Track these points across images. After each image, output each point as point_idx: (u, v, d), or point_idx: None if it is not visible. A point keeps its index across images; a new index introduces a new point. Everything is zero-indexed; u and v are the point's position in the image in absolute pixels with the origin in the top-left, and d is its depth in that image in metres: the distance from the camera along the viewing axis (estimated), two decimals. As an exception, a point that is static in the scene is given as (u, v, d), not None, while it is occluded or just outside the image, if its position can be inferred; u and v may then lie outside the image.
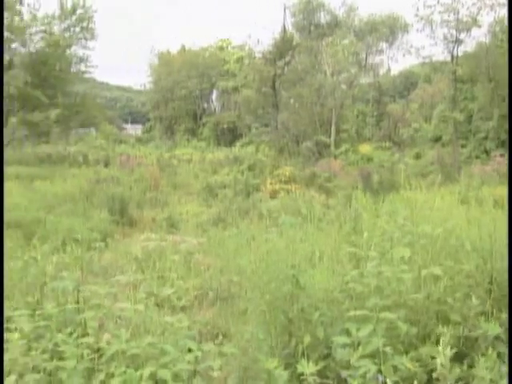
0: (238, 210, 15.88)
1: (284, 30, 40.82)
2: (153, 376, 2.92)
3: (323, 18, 44.85)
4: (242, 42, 66.95)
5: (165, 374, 2.86)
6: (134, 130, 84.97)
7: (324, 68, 40.71)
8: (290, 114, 37.29)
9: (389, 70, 54.33)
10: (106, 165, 32.04)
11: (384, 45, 48.12)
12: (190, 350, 3.29)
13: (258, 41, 70.69)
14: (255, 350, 3.93)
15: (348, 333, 3.68)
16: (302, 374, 3.34)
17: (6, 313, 3.19)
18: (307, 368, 3.25)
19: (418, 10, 32.61)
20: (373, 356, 3.50)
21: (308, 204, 13.04)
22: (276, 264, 4.23)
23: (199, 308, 6.34)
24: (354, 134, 42.52)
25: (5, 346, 2.98)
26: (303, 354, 3.69)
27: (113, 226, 14.40)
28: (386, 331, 3.63)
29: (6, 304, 3.34)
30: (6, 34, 38.32)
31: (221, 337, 5.68)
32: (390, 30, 46.82)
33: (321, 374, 3.52)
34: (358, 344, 3.57)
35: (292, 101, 39.14)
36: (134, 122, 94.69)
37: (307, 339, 3.73)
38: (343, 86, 43.07)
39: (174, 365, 2.97)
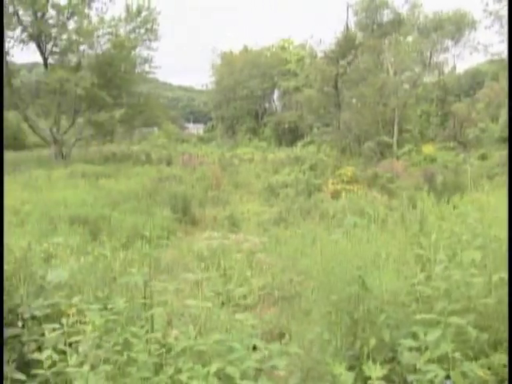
0: (300, 209, 15.84)
1: (347, 28, 40.49)
2: (219, 373, 2.94)
3: (386, 16, 44.19)
4: (303, 42, 66.86)
5: (233, 371, 2.88)
6: (196, 129, 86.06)
7: (387, 67, 40.15)
8: (352, 113, 36.93)
9: (454, 68, 53.01)
10: (169, 163, 32.52)
11: (449, 42, 46.96)
12: (254, 348, 3.31)
13: (321, 40, 70.45)
14: (319, 350, 3.92)
15: (415, 336, 3.61)
16: (368, 377, 3.30)
17: (79, 306, 3.28)
18: (374, 371, 3.20)
19: (487, 5, 31.72)
20: (441, 361, 3.42)
21: (371, 205, 12.89)
22: (342, 265, 4.20)
23: (263, 307, 6.35)
24: (417, 134, 41.75)
25: (77, 338, 3.06)
26: (368, 356, 3.65)
27: (175, 223, 14.60)
28: (454, 336, 3.54)
29: (79, 297, 3.43)
30: (74, 37, 39.56)
31: (283, 336, 5.69)
32: (456, 26, 45.65)
33: (386, 377, 3.47)
34: (426, 348, 3.50)
35: (354, 100, 38.75)
36: (195, 121, 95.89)
37: (373, 341, 3.69)
38: (406, 86, 42.37)
39: (242, 362, 2.99)
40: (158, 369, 3.13)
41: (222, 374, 2.95)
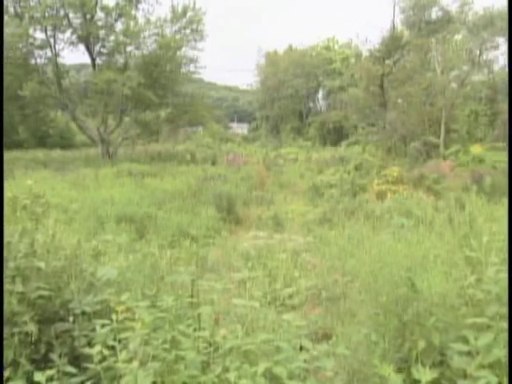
0: (344, 210, 15.71)
1: (393, 27, 40.00)
2: (267, 373, 2.94)
3: (435, 13, 43.47)
4: (348, 41, 66.42)
5: (280, 371, 2.88)
6: (240, 128, 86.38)
7: (434, 66, 39.49)
8: (397, 113, 36.44)
9: (505, 66, 51.79)
10: (213, 163, 32.72)
11: (500, 40, 45.88)
12: (301, 349, 3.29)
13: (366, 39, 69.85)
14: (366, 352, 3.88)
15: (465, 340, 3.53)
16: (417, 381, 3.24)
17: (129, 303, 3.32)
18: (423, 375, 3.14)
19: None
20: (493, 367, 3.33)
21: (417, 206, 12.71)
22: (390, 266, 4.15)
23: (308, 307, 6.32)
24: (464, 134, 40.98)
25: (127, 334, 3.10)
26: (417, 359, 3.59)
27: (220, 223, 14.66)
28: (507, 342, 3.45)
29: (127, 295, 3.47)
30: (122, 38, 40.23)
31: (328, 337, 5.65)
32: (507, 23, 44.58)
33: (436, 381, 3.40)
34: (477, 353, 3.41)
35: (400, 100, 38.25)
36: (240, 120, 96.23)
37: (421, 344, 3.63)
38: (454, 85, 41.60)
39: (289, 363, 2.98)
40: (205, 367, 3.15)
41: (270, 374, 2.95)
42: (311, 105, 72.55)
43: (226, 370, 2.98)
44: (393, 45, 37.47)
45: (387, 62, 37.52)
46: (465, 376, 3.41)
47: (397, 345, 3.96)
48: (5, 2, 38.89)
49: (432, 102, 37.46)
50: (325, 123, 60.25)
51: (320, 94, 71.94)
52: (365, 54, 48.47)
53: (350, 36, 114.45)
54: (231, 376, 2.88)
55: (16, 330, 3.21)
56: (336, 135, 57.09)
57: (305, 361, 3.03)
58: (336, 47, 69.08)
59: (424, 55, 38.33)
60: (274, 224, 14.48)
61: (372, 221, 11.57)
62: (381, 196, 18.80)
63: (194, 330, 3.23)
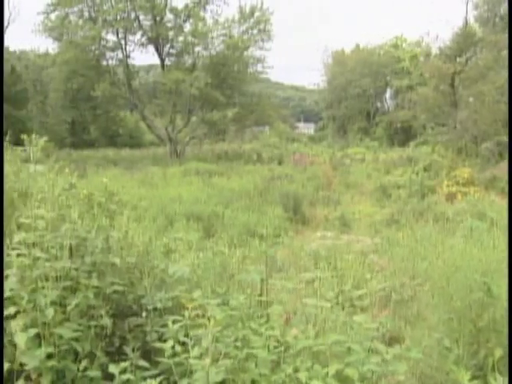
0: (413, 211, 15.42)
1: (466, 23, 38.95)
2: (338, 374, 2.91)
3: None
4: (419, 39, 65.12)
5: (352, 373, 2.85)
6: (307, 128, 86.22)
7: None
8: (469, 112, 35.41)
9: None
10: (280, 162, 32.74)
11: None
12: (369, 351, 3.25)
13: (437, 36, 68.31)
14: (439, 357, 3.78)
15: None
16: (494, 389, 3.14)
17: (200, 301, 3.35)
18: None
19: None
20: None
21: (490, 208, 12.34)
22: (463, 269, 4.03)
23: (377, 309, 6.24)
24: (540, 135, 39.43)
25: (198, 331, 3.14)
26: (493, 367, 3.48)
27: (286, 222, 14.65)
28: None
29: (198, 293, 3.51)
30: (190, 39, 40.85)
31: (396, 340, 5.55)
32: None
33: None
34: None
35: (472, 99, 37.16)
36: (306, 120, 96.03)
37: (499, 352, 3.51)
38: (530, 83, 40.08)
39: (361, 365, 2.94)
40: (275, 366, 3.15)
41: (341, 376, 2.92)
42: (378, 104, 71.58)
43: (296, 369, 2.97)
44: (465, 42, 36.47)
45: (459, 59, 36.54)
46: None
47: (471, 351, 3.84)
48: (80, 7, 40.13)
49: (506, 100, 36.22)
50: (392, 123, 59.26)
51: (388, 94, 70.92)
52: (435, 52, 47.45)
53: (420, 34, 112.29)
54: (302, 376, 2.87)
55: (92, 323, 3.29)
56: (404, 135, 56.11)
57: (377, 364, 2.99)
58: (404, 45, 67.82)
59: (498, 52, 37.06)
60: (340, 224, 14.37)
61: (442, 223, 11.31)
62: (450, 198, 18.36)
63: (265, 328, 3.23)
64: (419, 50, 62.85)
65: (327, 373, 2.88)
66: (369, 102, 69.15)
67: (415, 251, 8.86)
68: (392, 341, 5.46)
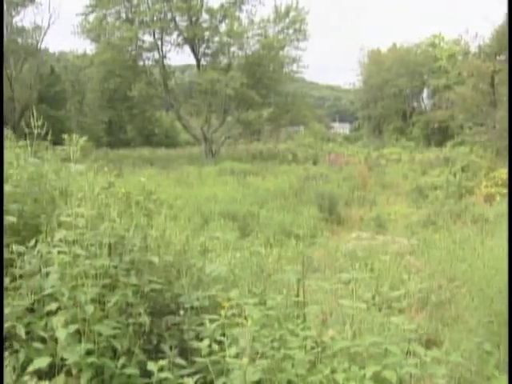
0: (450, 212, 15.22)
1: (508, 20, 38.18)
2: (375, 376, 2.89)
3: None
4: (457, 37, 64.14)
5: (390, 375, 2.82)
6: (342, 128, 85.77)
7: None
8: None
9: None
10: (315, 162, 32.64)
11: None
12: (407, 353, 3.21)
13: (476, 34, 67.16)
14: (479, 361, 3.72)
15: None
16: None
17: (236, 300, 3.36)
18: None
19: None
20: None
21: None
22: (505, 272, 3.96)
23: (413, 311, 6.17)
24: None
25: (234, 330, 3.14)
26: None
27: (322, 222, 14.60)
28: None
29: (235, 292, 3.52)
30: (226, 39, 41.03)
31: (433, 342, 5.48)
32: None
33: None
34: None
35: (512, 98, 36.44)
36: (341, 120, 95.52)
37: (540, 356, 3.43)
38: None
39: (399, 367, 2.91)
40: (312, 367, 3.14)
41: (378, 378, 2.89)
42: (415, 104, 70.72)
43: (333, 370, 2.96)
44: (505, 39, 35.77)
45: (499, 58, 35.87)
46: None
47: (512, 356, 3.77)
48: (117, 8, 40.65)
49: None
50: (429, 123, 58.51)
51: (424, 93, 70.01)
52: (474, 50, 46.69)
53: (459, 32, 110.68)
54: (339, 377, 2.85)
55: (130, 320, 3.33)
56: (441, 135, 55.33)
57: (416, 366, 2.95)
58: (442, 44, 66.84)
59: (541, 49, 36.25)
60: (376, 225, 14.26)
61: (480, 225, 11.14)
62: (489, 199, 18.05)
63: (302, 329, 3.23)
64: (457, 49, 61.92)
65: (364, 374, 2.85)
66: (405, 101, 68.39)
67: (453, 253, 8.74)
68: (429, 343, 5.39)
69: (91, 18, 41.28)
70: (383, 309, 4.21)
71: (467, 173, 24.71)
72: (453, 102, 45.27)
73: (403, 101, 68.00)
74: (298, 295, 3.92)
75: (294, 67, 45.17)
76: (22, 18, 79.84)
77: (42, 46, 47.99)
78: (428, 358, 3.03)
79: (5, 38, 43.14)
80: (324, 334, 3.21)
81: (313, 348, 3.17)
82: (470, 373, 3.75)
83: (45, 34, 44.88)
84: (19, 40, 45.19)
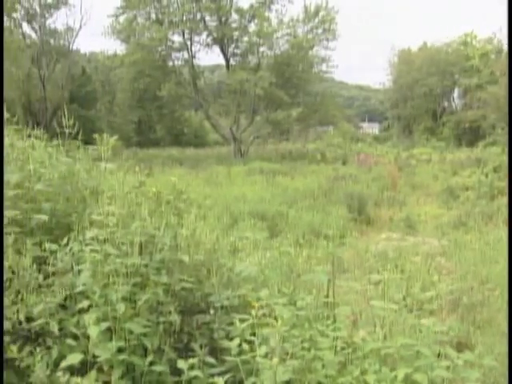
0: (481, 213, 14.98)
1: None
2: (406, 378, 2.86)
3: None
4: (491, 35, 63.23)
5: (421, 378, 2.78)
6: (371, 128, 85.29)
7: None
8: (543, 112, 34.21)
9: None
10: (344, 163, 32.47)
11: None
12: (439, 355, 3.17)
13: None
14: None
15: None
16: None
17: (266, 300, 3.36)
18: None
19: None
20: None
21: None
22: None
23: (445, 313, 6.10)
24: None
25: (264, 330, 3.14)
26: None
27: (351, 223, 14.50)
28: None
29: (265, 292, 3.51)
30: (255, 39, 41.07)
31: (464, 345, 5.40)
32: None
33: None
34: None
35: (546, 98, 35.83)
36: (370, 120, 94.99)
37: None
38: None
39: (430, 370, 2.87)
40: (342, 368, 3.12)
41: (409, 380, 2.86)
42: (446, 104, 69.96)
43: (364, 372, 2.94)
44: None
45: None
46: None
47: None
48: (147, 9, 41.00)
49: None
50: (460, 123, 57.85)
51: (455, 93, 69.20)
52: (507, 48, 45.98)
53: (492, 31, 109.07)
54: (370, 379, 2.83)
55: (161, 319, 3.35)
56: (472, 135, 54.64)
57: (447, 369, 2.91)
58: (474, 43, 65.95)
59: None
60: (405, 226, 14.11)
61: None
62: (522, 200, 17.72)
63: (332, 329, 3.21)
64: (490, 47, 61.10)
65: (395, 376, 2.83)
66: (435, 101, 67.66)
67: (485, 254, 8.62)
68: (460, 346, 5.32)
69: (122, 19, 41.76)
70: (414, 310, 4.17)
71: (499, 173, 24.30)
72: (485, 102, 44.73)
73: (433, 100, 67.29)
74: (327, 296, 3.90)
75: (324, 67, 45.05)
76: (55, 20, 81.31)
77: (74, 47, 48.67)
78: (460, 361, 2.99)
79: (38, 40, 43.90)
80: (354, 334, 3.19)
81: (343, 349, 3.15)
82: (505, 378, 3.68)
83: (76, 35, 45.47)
84: (52, 41, 45.84)
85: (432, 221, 15.37)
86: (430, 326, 3.34)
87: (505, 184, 21.03)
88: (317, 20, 42.22)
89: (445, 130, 61.87)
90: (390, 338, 3.27)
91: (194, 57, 43.44)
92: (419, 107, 66.53)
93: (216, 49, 43.66)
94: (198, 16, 41.22)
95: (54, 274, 3.46)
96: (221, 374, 3.05)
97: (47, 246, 3.54)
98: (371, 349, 3.06)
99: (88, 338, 3.03)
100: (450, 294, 6.99)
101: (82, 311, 3.23)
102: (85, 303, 3.22)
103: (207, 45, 43.20)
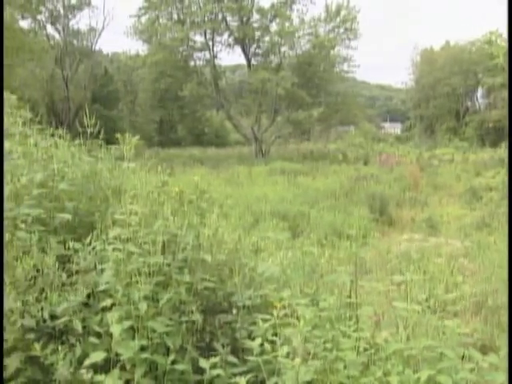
0: (505, 214, 14.83)
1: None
2: (430, 380, 2.83)
3: None
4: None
5: (445, 380, 2.75)
6: (393, 128, 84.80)
7: None
8: None
9: None
10: (365, 163, 32.34)
11: None
12: (463, 358, 3.13)
13: (536, 31, 65.38)
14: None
15: None
16: None
17: (288, 300, 3.35)
18: None
19: None
20: None
21: None
22: None
23: (469, 315, 6.04)
24: None
25: (286, 330, 3.13)
26: None
27: (372, 223, 14.44)
28: None
29: (287, 292, 3.50)
30: (276, 38, 41.06)
31: (488, 348, 5.35)
32: None
33: None
34: None
35: None
36: (392, 120, 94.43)
37: None
38: None
39: (454, 372, 2.84)
40: (364, 369, 3.10)
41: (433, 382, 2.83)
42: (469, 104, 69.26)
43: (386, 373, 2.91)
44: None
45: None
46: None
47: None
48: (169, 9, 41.22)
49: None
50: (483, 123, 57.27)
51: (479, 92, 68.49)
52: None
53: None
54: (393, 380, 2.81)
55: (183, 318, 3.36)
56: (496, 135, 54.03)
57: (472, 371, 2.88)
58: (499, 41, 65.18)
59: None
60: (427, 227, 14.01)
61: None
62: (547, 201, 17.49)
63: (354, 330, 3.19)
64: (515, 46, 60.34)
65: (419, 378, 2.79)
66: (458, 101, 67.03)
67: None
68: (484, 348, 5.27)
69: (144, 19, 42.02)
70: (437, 312, 4.13)
71: (524, 174, 24.03)
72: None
73: (456, 100, 66.67)
74: (350, 296, 3.88)
75: (345, 66, 44.95)
76: (78, 21, 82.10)
77: (96, 48, 49.14)
78: (485, 364, 2.95)
79: (61, 41, 44.35)
80: (377, 335, 3.17)
81: (365, 350, 3.13)
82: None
83: (99, 35, 45.93)
84: (75, 42, 46.31)
85: (455, 222, 15.23)
86: (454, 328, 3.30)
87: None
88: (338, 19, 42.13)
89: (468, 129, 61.28)
90: (413, 340, 3.24)
91: (216, 57, 43.60)
92: (442, 107, 65.95)
93: (237, 49, 43.81)
94: (220, 16, 41.34)
95: (77, 272, 3.49)
96: (243, 373, 3.04)
97: (71, 244, 3.57)
98: (394, 350, 3.03)
99: (111, 336, 3.04)
100: (473, 295, 6.93)
101: (105, 309, 3.25)
102: (108, 302, 3.24)
103: (229, 45, 43.33)
